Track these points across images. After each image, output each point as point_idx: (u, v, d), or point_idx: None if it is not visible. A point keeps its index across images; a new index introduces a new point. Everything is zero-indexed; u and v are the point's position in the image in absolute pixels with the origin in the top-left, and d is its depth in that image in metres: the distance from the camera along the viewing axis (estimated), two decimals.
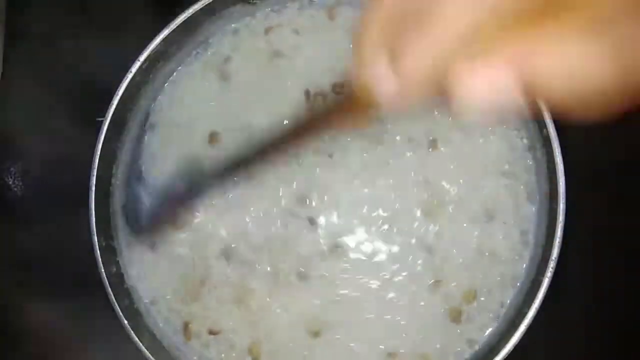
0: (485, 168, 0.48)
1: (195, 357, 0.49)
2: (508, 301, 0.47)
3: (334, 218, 0.48)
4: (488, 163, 0.48)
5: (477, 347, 0.47)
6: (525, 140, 0.48)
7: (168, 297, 0.49)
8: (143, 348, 0.46)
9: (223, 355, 0.48)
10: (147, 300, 0.49)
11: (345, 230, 0.48)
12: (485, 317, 0.47)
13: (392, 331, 0.47)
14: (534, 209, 0.48)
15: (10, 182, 0.53)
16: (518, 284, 0.47)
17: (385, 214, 0.48)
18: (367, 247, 0.48)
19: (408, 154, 0.48)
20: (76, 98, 0.53)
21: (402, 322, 0.47)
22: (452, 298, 0.47)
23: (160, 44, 0.47)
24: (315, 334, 0.47)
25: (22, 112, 0.54)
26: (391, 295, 0.47)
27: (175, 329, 0.49)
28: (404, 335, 0.47)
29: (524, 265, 0.47)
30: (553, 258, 0.44)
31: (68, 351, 0.52)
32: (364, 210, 0.48)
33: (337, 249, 0.47)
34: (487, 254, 0.47)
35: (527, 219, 0.48)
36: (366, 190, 0.48)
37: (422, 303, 0.47)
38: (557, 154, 0.44)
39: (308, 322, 0.47)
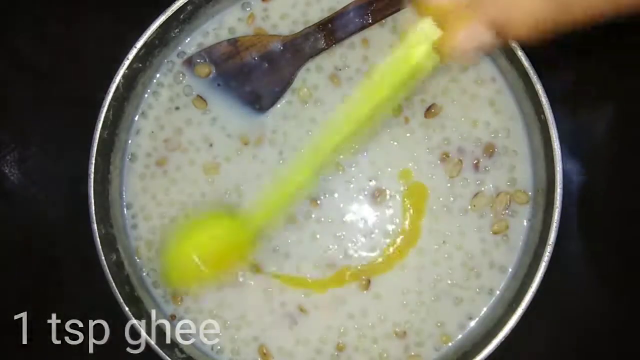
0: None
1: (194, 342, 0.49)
2: (502, 285, 0.48)
3: None
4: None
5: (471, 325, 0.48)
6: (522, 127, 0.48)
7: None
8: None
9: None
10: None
11: None
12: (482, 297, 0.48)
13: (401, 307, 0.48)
14: (531, 193, 0.48)
15: (7, 170, 0.53)
16: (511, 269, 0.48)
17: None
18: None
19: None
20: (73, 85, 0.52)
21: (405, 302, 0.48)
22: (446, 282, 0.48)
23: (157, 29, 0.47)
24: None
25: (17, 99, 0.53)
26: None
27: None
28: (413, 315, 0.48)
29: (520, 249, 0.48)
30: (550, 242, 0.45)
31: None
32: None
33: None
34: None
35: (524, 205, 0.48)
36: None
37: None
38: (554, 139, 0.45)
39: None
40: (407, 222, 0.48)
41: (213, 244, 0.45)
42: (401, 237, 0.48)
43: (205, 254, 0.44)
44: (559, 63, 0.50)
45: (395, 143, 0.49)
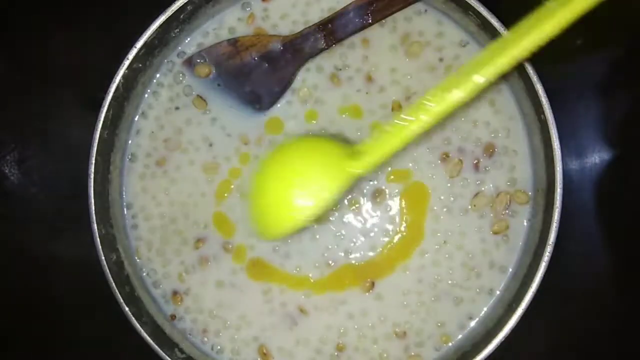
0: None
1: (194, 342, 0.49)
2: (502, 285, 0.48)
3: None
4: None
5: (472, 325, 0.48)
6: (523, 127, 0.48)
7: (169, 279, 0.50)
8: (144, 334, 0.46)
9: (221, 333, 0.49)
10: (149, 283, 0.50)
11: None
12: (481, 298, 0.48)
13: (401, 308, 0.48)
14: (531, 193, 0.48)
15: (7, 171, 0.53)
16: (511, 269, 0.48)
17: None
18: None
19: None
20: (73, 85, 0.52)
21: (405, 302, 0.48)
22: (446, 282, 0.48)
23: (157, 29, 0.47)
24: None
25: (17, 99, 0.53)
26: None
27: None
28: (413, 315, 0.48)
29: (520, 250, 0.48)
30: (550, 242, 0.45)
31: (68, 337, 0.52)
32: None
33: None
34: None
35: (524, 205, 0.48)
36: None
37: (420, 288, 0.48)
38: (554, 139, 0.45)
39: None
40: (407, 223, 0.48)
41: (318, 170, 0.39)
42: (401, 236, 0.48)
43: (306, 182, 0.38)
44: (560, 63, 0.50)
45: None
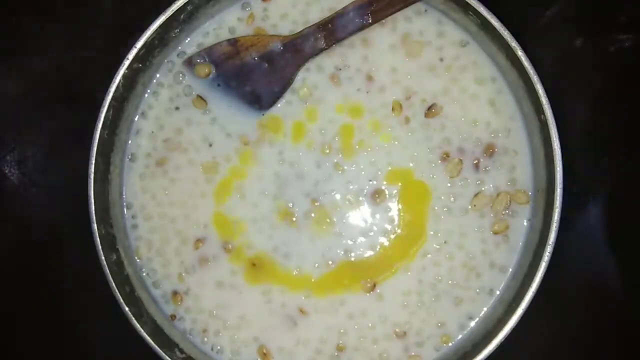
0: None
1: (193, 342, 0.49)
2: (502, 285, 0.48)
3: None
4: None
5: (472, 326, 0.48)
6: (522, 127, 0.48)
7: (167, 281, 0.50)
8: (144, 334, 0.46)
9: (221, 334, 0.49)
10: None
11: None
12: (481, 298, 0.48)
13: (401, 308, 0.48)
14: (531, 193, 0.48)
15: (7, 170, 0.53)
16: (511, 269, 0.48)
17: None
18: None
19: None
20: (73, 85, 0.52)
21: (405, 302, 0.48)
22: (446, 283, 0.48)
23: (157, 29, 0.47)
24: None
25: (17, 98, 0.53)
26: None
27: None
28: (413, 315, 0.48)
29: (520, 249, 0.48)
30: (550, 242, 0.45)
31: (68, 337, 0.52)
32: None
33: None
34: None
35: (524, 205, 0.48)
36: None
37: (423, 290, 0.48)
38: (554, 139, 0.45)
39: None
40: (407, 222, 0.48)
41: None
42: (401, 236, 0.48)
43: None
44: (560, 62, 0.50)
45: (396, 143, 0.49)
